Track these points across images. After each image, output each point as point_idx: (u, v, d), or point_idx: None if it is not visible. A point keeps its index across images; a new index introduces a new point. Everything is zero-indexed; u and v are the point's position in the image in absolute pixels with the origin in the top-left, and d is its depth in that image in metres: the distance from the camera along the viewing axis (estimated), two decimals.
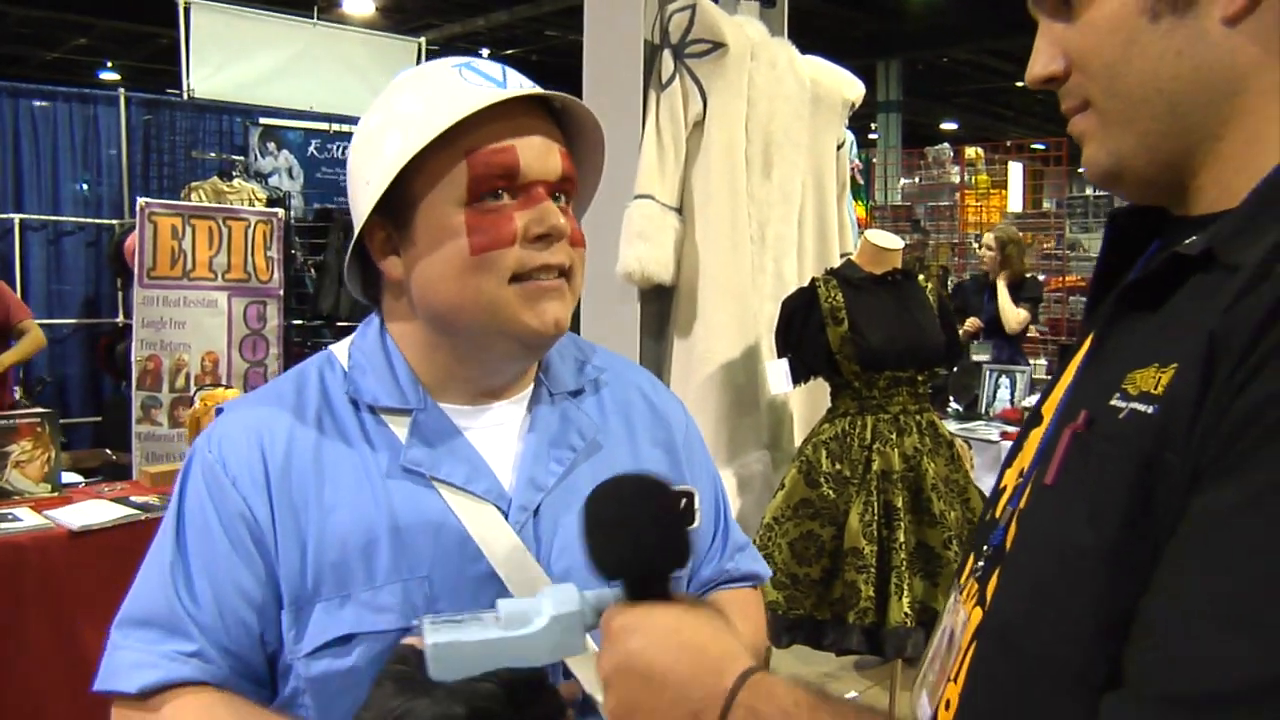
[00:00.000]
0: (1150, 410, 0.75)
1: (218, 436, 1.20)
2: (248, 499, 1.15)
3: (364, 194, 1.18)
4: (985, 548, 0.96)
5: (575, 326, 1.28)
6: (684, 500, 1.00)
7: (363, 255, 1.25)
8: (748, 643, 1.19)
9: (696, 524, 1.35)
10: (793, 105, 3.60)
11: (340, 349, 1.29)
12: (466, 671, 0.97)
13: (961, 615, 0.97)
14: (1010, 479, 0.99)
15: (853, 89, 3.91)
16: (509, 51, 19.73)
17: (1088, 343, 0.94)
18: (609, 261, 3.25)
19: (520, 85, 1.19)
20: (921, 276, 3.62)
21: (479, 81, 1.18)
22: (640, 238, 3.27)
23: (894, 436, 3.37)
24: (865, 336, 3.30)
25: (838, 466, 3.34)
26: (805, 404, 3.77)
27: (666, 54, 3.33)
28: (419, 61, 9.92)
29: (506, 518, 1.19)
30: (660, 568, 0.96)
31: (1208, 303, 0.75)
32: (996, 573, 0.91)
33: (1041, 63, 0.91)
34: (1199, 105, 0.83)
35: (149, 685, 1.12)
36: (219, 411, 1.26)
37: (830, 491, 3.32)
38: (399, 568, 1.15)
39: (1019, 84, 21.15)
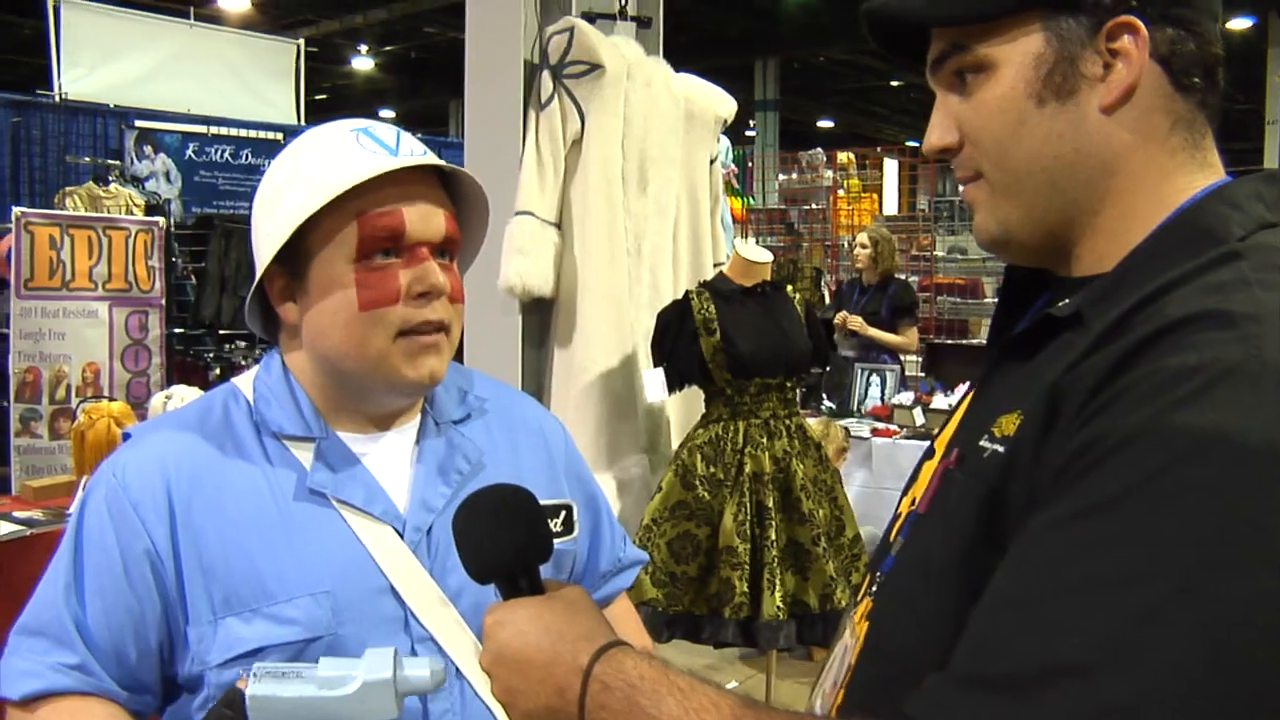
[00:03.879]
0: (1002, 450, 0.89)
1: (123, 463, 1.30)
2: (147, 524, 1.25)
3: (264, 245, 1.30)
4: (878, 572, 1.08)
5: (460, 340, 1.41)
6: (528, 499, 1.12)
7: (262, 296, 1.36)
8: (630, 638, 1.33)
9: (575, 534, 1.49)
10: (667, 123, 3.75)
11: (243, 383, 1.40)
12: None
13: (853, 634, 1.08)
14: (904, 507, 1.11)
15: (725, 106, 4.07)
16: (388, 48, 19.58)
17: (976, 387, 1.08)
18: (491, 276, 3.37)
19: (411, 153, 1.31)
20: (790, 287, 3.81)
21: (374, 148, 1.30)
22: (520, 253, 3.40)
23: (764, 440, 3.55)
24: (736, 346, 3.47)
25: (712, 469, 3.51)
26: (681, 409, 3.93)
27: (545, 75, 3.46)
28: (298, 62, 9.86)
29: (402, 537, 1.31)
30: (517, 565, 1.08)
31: (1062, 359, 0.88)
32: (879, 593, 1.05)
33: (938, 134, 1.01)
34: (1078, 183, 0.95)
35: (29, 693, 1.24)
36: (126, 436, 1.36)
37: (705, 493, 3.49)
38: (304, 583, 1.26)
39: (894, 83, 21.72)
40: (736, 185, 8.62)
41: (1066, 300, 0.94)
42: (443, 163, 1.33)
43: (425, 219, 1.30)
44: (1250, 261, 0.86)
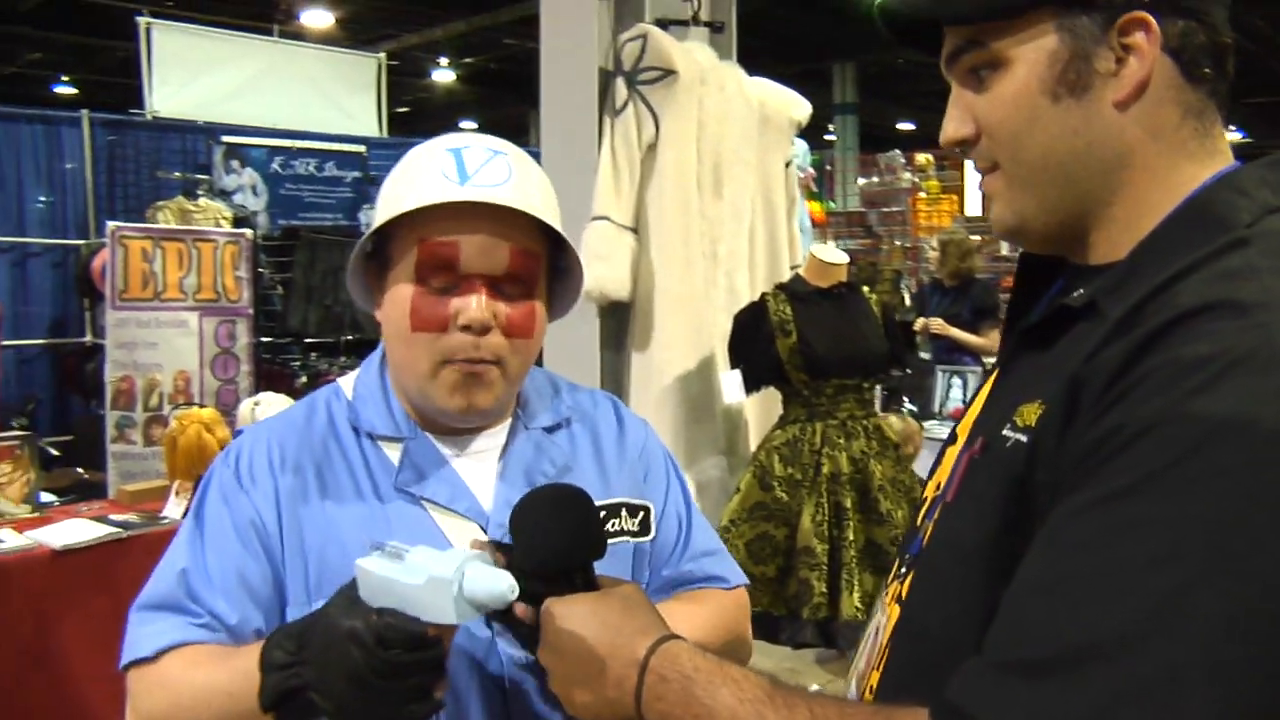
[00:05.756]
0: (1025, 439, 0.91)
1: (234, 453, 1.38)
2: (258, 507, 1.33)
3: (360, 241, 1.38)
4: (906, 555, 1.11)
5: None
6: (582, 498, 1.17)
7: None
8: (693, 628, 1.35)
9: (652, 535, 1.49)
10: (741, 127, 3.77)
11: (346, 381, 1.47)
12: (376, 600, 1.10)
13: (884, 614, 1.11)
14: (930, 491, 1.14)
15: (799, 109, 4.08)
16: (467, 60, 19.78)
17: (995, 374, 1.10)
18: None
19: (486, 183, 1.30)
20: (866, 288, 3.81)
21: (451, 174, 1.30)
22: (598, 258, 3.44)
23: (842, 441, 3.56)
24: (812, 347, 3.48)
25: (790, 470, 3.52)
26: (760, 411, 3.94)
27: (620, 81, 3.50)
28: (379, 76, 10.01)
29: (485, 533, 1.35)
30: (571, 563, 1.13)
31: (1079, 349, 0.90)
32: (911, 575, 1.07)
33: (954, 126, 1.05)
34: (1091, 175, 0.97)
35: (164, 646, 1.27)
36: (238, 433, 1.43)
37: (783, 494, 3.50)
38: None
39: None
40: (815, 189, 8.61)
41: (1081, 290, 0.95)
42: (501, 202, 1.29)
43: (484, 252, 1.30)
44: (1258, 247, 0.87)
